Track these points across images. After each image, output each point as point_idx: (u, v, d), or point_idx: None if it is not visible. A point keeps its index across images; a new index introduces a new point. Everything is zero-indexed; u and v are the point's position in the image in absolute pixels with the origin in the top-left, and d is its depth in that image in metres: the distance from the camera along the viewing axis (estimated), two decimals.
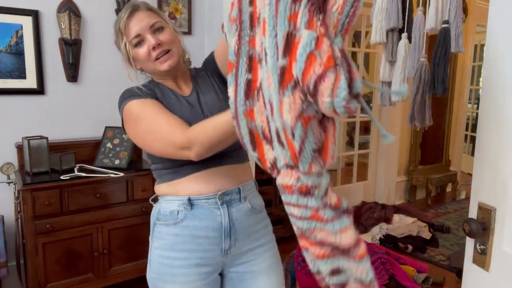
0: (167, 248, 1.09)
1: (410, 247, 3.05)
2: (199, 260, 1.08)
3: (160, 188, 1.14)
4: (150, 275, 1.13)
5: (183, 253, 1.08)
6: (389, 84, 1.85)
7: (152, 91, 1.11)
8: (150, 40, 1.07)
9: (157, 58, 1.08)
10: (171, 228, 1.08)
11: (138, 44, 1.09)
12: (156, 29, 1.09)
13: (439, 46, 1.49)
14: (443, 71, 1.49)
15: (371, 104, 4.71)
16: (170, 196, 1.10)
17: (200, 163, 1.02)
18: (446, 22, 1.50)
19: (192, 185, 1.08)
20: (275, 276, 1.19)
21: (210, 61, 1.20)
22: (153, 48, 1.07)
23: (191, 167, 1.06)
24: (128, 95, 1.09)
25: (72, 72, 2.44)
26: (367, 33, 4.38)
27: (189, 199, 1.07)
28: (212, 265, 1.11)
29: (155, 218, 1.13)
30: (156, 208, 1.14)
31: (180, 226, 1.08)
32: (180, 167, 1.07)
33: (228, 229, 1.09)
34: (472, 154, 1.73)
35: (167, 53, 1.09)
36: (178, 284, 1.07)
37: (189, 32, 2.86)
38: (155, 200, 1.16)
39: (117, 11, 2.55)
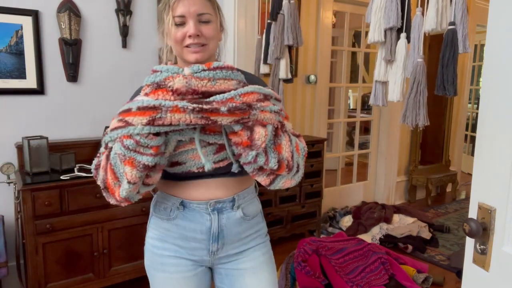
0: (159, 239, 1.15)
1: (410, 247, 3.06)
2: (188, 255, 1.14)
3: (158, 182, 1.15)
4: (145, 262, 1.21)
5: (173, 246, 1.13)
6: (383, 83, 1.86)
7: None
8: (191, 27, 1.03)
9: (188, 46, 1.05)
10: (164, 222, 1.13)
11: (179, 24, 1.04)
12: (202, 20, 1.05)
13: (447, 48, 1.50)
14: (452, 72, 1.50)
15: (371, 104, 4.71)
16: (165, 193, 1.13)
17: (193, 172, 1.05)
18: (452, 23, 1.51)
19: (184, 190, 1.10)
20: (264, 274, 1.18)
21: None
22: (190, 36, 1.03)
23: (184, 175, 1.07)
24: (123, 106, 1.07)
25: (72, 72, 2.44)
26: (367, 33, 4.37)
27: (181, 202, 1.11)
28: (200, 261, 1.16)
29: (152, 210, 1.19)
30: (154, 200, 1.18)
31: (172, 223, 1.12)
32: (172, 172, 1.08)
33: (216, 234, 1.11)
34: (472, 154, 1.74)
35: (201, 46, 1.05)
36: (168, 273, 1.14)
37: None
38: (155, 190, 1.18)
39: (117, 11, 2.55)
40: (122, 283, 2.32)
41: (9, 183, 2.21)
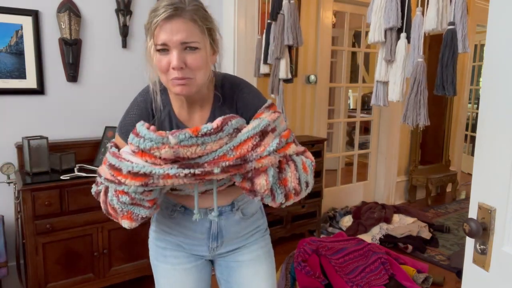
0: (161, 233, 1.19)
1: (410, 247, 3.05)
2: (189, 249, 1.17)
3: None
4: (149, 253, 1.24)
5: (175, 240, 1.17)
6: (384, 83, 1.86)
7: (142, 113, 1.03)
8: (174, 58, 0.91)
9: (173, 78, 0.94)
10: (167, 219, 1.16)
11: (162, 51, 0.93)
12: (188, 47, 0.92)
13: (447, 48, 1.50)
14: (452, 72, 1.50)
15: (371, 104, 4.71)
16: (168, 196, 1.15)
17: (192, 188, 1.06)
18: (452, 23, 1.50)
19: (184, 200, 1.13)
20: (262, 267, 1.20)
21: (251, 110, 1.03)
22: (173, 68, 0.92)
23: (185, 191, 1.08)
24: (119, 123, 1.07)
25: (72, 72, 2.44)
26: (367, 33, 4.37)
27: (182, 205, 1.13)
28: (201, 256, 1.19)
29: None
30: None
31: (173, 221, 1.15)
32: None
33: (215, 234, 1.14)
34: (472, 154, 1.73)
35: (186, 79, 0.94)
36: (170, 264, 1.17)
37: None
38: None
39: (117, 11, 2.55)
40: (122, 283, 2.32)
41: (9, 183, 2.21)
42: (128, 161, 0.91)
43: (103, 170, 0.97)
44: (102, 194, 1.03)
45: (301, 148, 1.07)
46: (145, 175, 0.88)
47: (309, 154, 1.08)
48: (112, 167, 0.92)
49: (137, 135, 0.90)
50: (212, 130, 0.89)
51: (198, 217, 1.03)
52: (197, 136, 0.87)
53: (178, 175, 0.87)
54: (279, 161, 0.98)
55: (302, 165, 1.02)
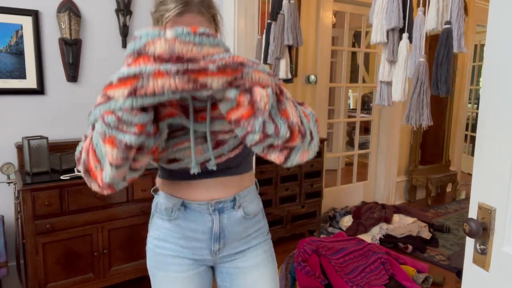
0: (161, 239, 1.15)
1: (410, 247, 3.06)
2: (190, 255, 1.14)
3: (159, 182, 1.17)
4: (148, 262, 1.19)
5: (175, 246, 1.13)
6: (388, 84, 1.86)
7: None
8: None
9: None
10: (166, 222, 1.13)
11: None
12: None
13: (442, 47, 1.50)
14: (446, 72, 1.50)
15: (371, 104, 4.71)
16: (167, 193, 1.13)
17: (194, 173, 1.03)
18: (448, 22, 1.51)
19: (185, 190, 1.10)
20: (265, 272, 1.19)
21: None
22: None
23: (185, 175, 1.06)
24: None
25: (72, 72, 2.44)
26: (367, 33, 4.38)
27: (182, 202, 1.10)
28: (202, 261, 1.16)
29: (153, 209, 1.18)
30: (155, 201, 1.18)
31: (173, 223, 1.12)
32: (170, 169, 1.07)
33: (217, 234, 1.12)
34: (472, 154, 1.73)
35: None
36: (172, 272, 1.14)
37: None
38: (156, 191, 1.18)
39: (117, 11, 2.55)
40: (122, 283, 2.32)
41: (9, 183, 2.21)
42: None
43: (96, 102, 0.90)
44: (87, 141, 0.93)
45: (299, 100, 1.04)
46: (134, 76, 0.81)
47: (308, 106, 1.04)
48: (104, 88, 0.86)
49: (134, 38, 0.85)
50: (209, 32, 0.85)
51: (196, 170, 0.99)
52: (194, 34, 0.83)
53: (169, 71, 0.80)
54: (276, 94, 0.93)
55: (302, 111, 0.98)
